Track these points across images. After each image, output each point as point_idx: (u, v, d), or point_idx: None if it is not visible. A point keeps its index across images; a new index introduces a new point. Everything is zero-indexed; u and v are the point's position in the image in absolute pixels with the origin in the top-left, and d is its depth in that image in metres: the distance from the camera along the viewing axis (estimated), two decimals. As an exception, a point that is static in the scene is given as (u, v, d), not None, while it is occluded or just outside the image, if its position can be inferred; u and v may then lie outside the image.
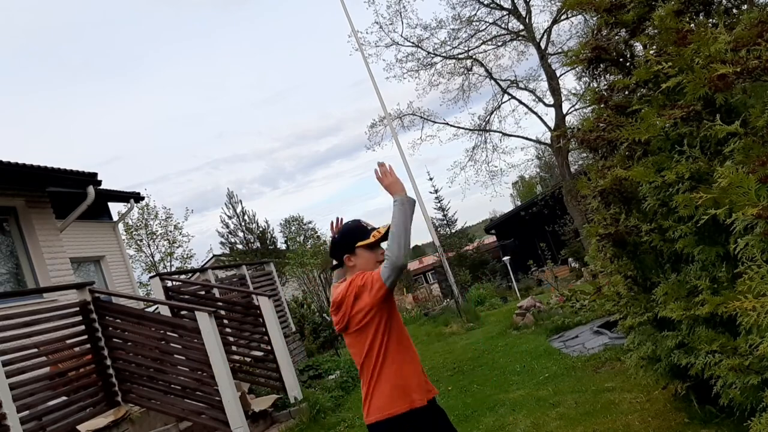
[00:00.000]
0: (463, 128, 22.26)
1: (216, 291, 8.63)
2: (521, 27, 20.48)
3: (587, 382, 5.31)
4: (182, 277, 9.19)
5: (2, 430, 4.48)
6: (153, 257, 25.12)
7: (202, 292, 8.36)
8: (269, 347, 7.51)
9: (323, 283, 16.64)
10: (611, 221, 3.66)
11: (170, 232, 25.59)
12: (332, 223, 2.75)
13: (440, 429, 2.45)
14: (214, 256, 25.65)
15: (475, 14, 20.67)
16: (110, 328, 6.06)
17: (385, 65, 28.56)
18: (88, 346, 5.85)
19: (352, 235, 2.52)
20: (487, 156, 22.39)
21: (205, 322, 5.72)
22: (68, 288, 6.51)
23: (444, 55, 21.43)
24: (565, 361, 6.41)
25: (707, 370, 2.94)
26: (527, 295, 13.73)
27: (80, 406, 5.46)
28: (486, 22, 20.90)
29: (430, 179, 30.48)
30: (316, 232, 28.70)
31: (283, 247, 28.03)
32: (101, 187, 8.91)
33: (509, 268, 17.52)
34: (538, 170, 45.45)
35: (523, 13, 20.18)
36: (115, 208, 14.61)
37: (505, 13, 20.65)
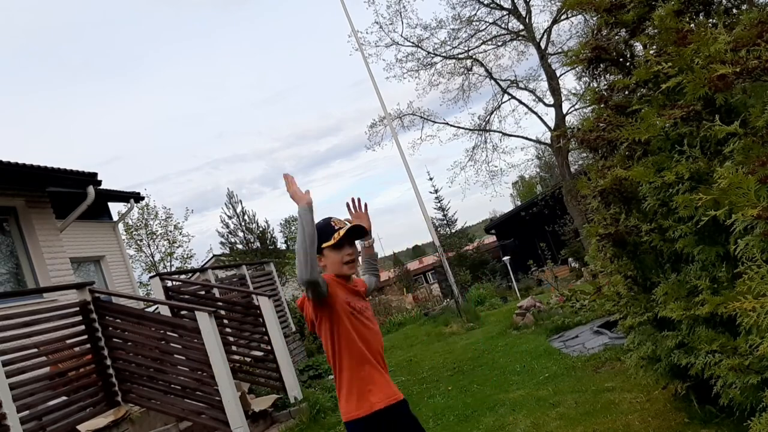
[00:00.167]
0: (463, 128, 22.27)
1: (216, 291, 8.63)
2: (521, 27, 20.47)
3: (587, 382, 5.31)
4: (182, 277, 9.19)
5: (2, 430, 4.48)
6: (153, 257, 25.16)
7: (202, 292, 8.36)
8: (269, 347, 7.51)
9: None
10: (611, 221, 3.66)
11: (170, 232, 25.65)
12: (348, 205, 2.74)
13: None
14: (214, 256, 25.63)
15: (475, 14, 20.68)
16: (110, 328, 6.06)
17: (385, 65, 28.56)
18: (88, 346, 5.85)
19: (318, 237, 2.49)
20: (487, 156, 22.40)
21: (205, 322, 5.72)
22: (68, 288, 6.51)
23: (444, 55, 21.43)
24: (565, 361, 6.41)
25: (707, 370, 2.94)
26: (527, 295, 13.73)
27: (80, 406, 5.46)
28: (486, 22, 20.90)
29: (430, 179, 30.45)
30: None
31: (283, 247, 28.02)
32: (101, 187, 8.91)
33: (509, 268, 17.52)
34: (538, 170, 45.47)
35: (523, 13, 20.17)
36: (115, 208, 14.64)
37: (505, 13, 20.64)
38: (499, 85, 21.59)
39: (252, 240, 26.69)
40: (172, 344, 6.09)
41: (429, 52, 21.42)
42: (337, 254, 2.44)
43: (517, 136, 21.86)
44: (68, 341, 5.73)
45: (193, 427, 5.95)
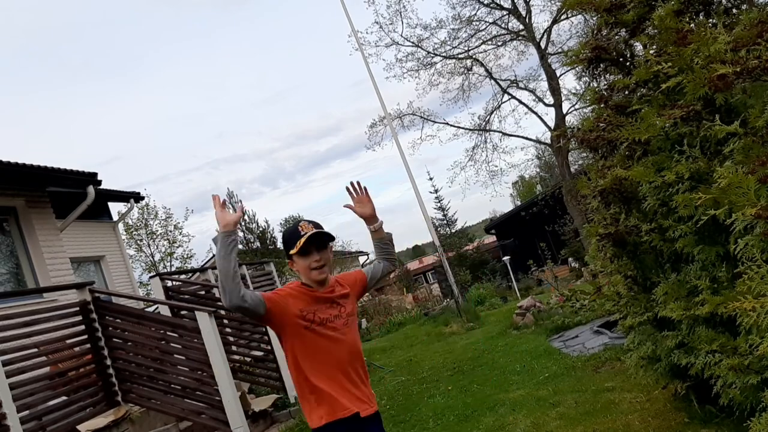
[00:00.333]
0: (463, 128, 22.29)
1: (216, 291, 8.62)
2: (521, 27, 20.48)
3: (587, 382, 5.31)
4: (182, 277, 9.20)
5: (2, 430, 4.49)
6: (153, 257, 25.17)
7: (202, 292, 8.36)
8: (269, 347, 7.50)
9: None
10: (611, 221, 3.66)
11: (170, 231, 25.66)
12: (348, 189, 2.69)
13: None
14: (214, 255, 25.63)
15: (475, 14, 20.69)
16: (110, 328, 6.06)
17: (385, 65, 28.49)
18: (88, 346, 5.85)
19: (285, 244, 2.47)
20: (487, 156, 22.42)
21: (205, 321, 5.72)
22: (68, 288, 6.52)
23: (444, 54, 21.44)
24: (565, 361, 6.40)
25: (707, 369, 2.94)
26: (527, 295, 13.73)
27: (80, 406, 5.46)
28: (486, 21, 20.91)
29: (430, 179, 30.40)
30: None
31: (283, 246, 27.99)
32: (101, 187, 8.91)
33: (509, 268, 17.52)
34: (538, 170, 45.43)
35: (523, 13, 20.18)
36: (115, 208, 14.62)
37: (505, 13, 20.65)
38: (499, 85, 21.61)
39: (252, 240, 26.71)
40: (172, 344, 6.09)
41: (429, 52, 21.46)
42: (304, 261, 2.40)
43: (517, 136, 21.91)
44: (68, 341, 5.73)
45: (193, 427, 5.95)
